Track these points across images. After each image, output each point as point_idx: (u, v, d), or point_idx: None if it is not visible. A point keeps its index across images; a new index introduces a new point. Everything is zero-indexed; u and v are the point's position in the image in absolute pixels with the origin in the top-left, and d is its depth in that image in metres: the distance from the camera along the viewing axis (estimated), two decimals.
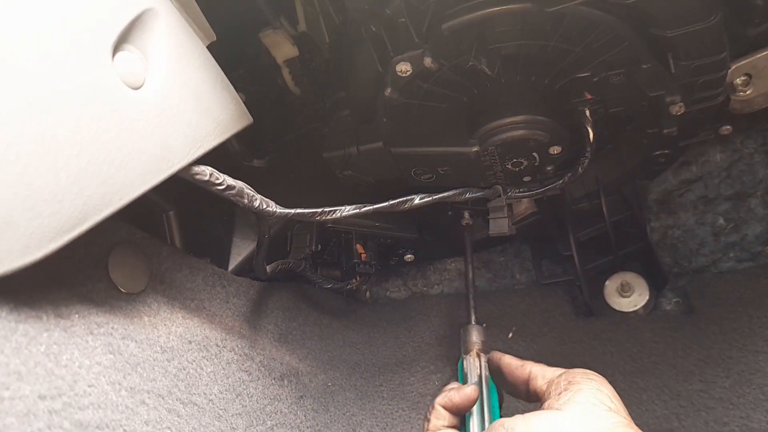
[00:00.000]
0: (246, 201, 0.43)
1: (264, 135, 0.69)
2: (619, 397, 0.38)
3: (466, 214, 0.64)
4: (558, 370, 0.42)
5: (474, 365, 0.49)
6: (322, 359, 0.65)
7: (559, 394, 0.38)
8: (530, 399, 0.44)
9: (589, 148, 0.51)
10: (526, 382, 0.44)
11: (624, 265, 0.69)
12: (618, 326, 0.63)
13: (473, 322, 0.56)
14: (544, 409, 0.39)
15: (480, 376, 0.48)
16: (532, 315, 0.69)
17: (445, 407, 0.43)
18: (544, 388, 0.41)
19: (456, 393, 0.43)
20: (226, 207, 0.66)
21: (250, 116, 0.48)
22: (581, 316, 0.68)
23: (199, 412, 0.42)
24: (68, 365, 0.33)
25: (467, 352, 0.52)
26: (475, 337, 0.53)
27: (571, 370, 0.40)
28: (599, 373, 0.57)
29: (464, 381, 0.49)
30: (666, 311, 0.67)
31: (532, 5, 0.41)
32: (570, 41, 0.45)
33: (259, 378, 0.52)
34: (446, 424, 0.43)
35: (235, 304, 0.57)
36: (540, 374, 0.43)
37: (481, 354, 0.51)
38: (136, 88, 0.35)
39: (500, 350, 0.55)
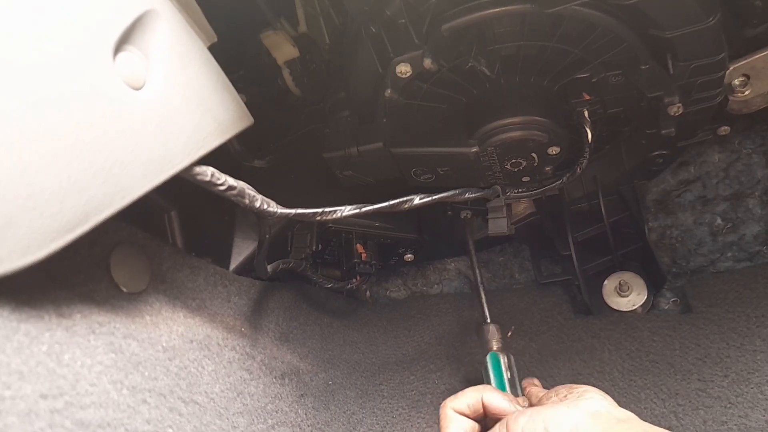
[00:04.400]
0: (247, 201, 0.43)
1: (265, 135, 0.69)
2: None
3: (465, 210, 0.64)
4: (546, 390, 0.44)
5: (505, 363, 0.51)
6: (323, 358, 0.65)
7: (564, 396, 0.39)
8: None
9: (588, 148, 0.52)
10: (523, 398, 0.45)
11: (622, 265, 0.69)
12: (616, 325, 0.64)
13: (489, 320, 0.57)
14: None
15: (512, 374, 0.50)
16: (531, 314, 0.70)
17: (487, 406, 0.41)
18: (533, 402, 0.43)
19: (503, 400, 0.41)
20: (228, 207, 0.66)
21: (251, 117, 0.48)
22: (580, 315, 0.68)
23: (200, 410, 0.42)
24: (70, 364, 0.33)
25: (492, 350, 0.53)
26: (497, 334, 0.54)
27: (568, 384, 0.42)
28: (598, 372, 0.58)
29: (493, 376, 0.50)
30: (664, 311, 0.67)
31: (531, 6, 0.42)
32: (569, 42, 0.46)
33: (260, 377, 0.52)
34: (468, 413, 0.41)
35: (237, 304, 0.57)
36: (534, 392, 0.45)
37: (508, 352, 0.53)
38: (138, 89, 0.35)
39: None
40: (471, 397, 0.41)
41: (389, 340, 0.71)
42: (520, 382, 0.50)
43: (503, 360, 0.51)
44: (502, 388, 0.49)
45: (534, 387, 0.46)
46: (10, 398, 0.28)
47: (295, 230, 0.66)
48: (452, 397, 0.42)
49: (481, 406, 0.41)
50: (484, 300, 0.58)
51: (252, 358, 0.53)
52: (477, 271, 0.61)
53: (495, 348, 0.54)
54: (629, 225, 0.68)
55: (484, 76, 0.48)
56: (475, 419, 0.42)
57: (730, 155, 0.71)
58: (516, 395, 0.48)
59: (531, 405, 0.45)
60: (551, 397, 0.41)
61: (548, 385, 0.59)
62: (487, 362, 0.52)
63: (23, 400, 0.28)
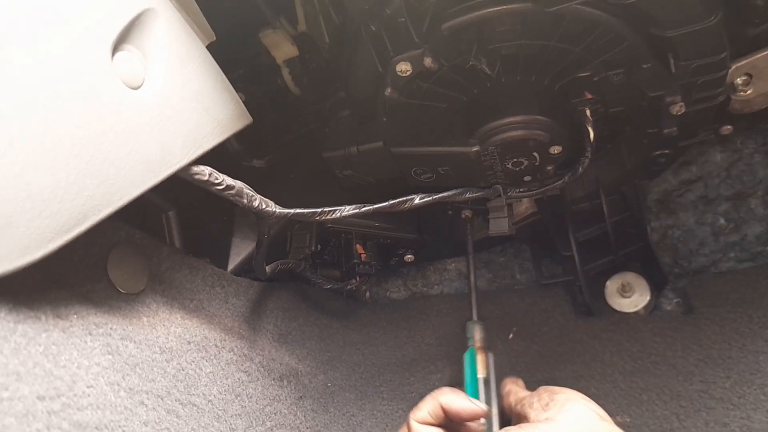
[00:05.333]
0: (245, 201, 0.42)
1: (264, 135, 0.69)
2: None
3: (466, 209, 0.64)
4: (527, 392, 0.43)
5: (482, 361, 0.50)
6: (322, 360, 0.65)
7: (546, 405, 0.38)
8: (500, 412, 0.45)
9: (590, 147, 0.51)
10: (501, 398, 0.45)
11: (624, 266, 0.69)
12: (618, 326, 0.63)
13: (475, 318, 0.57)
14: (530, 422, 0.38)
15: (489, 373, 0.49)
16: (532, 315, 0.69)
17: (446, 409, 0.41)
18: (513, 404, 0.42)
19: (459, 399, 0.40)
20: (226, 207, 0.66)
21: (250, 116, 0.48)
22: (581, 316, 0.68)
23: (198, 412, 0.42)
24: (67, 366, 0.33)
25: (472, 347, 0.53)
26: (481, 333, 0.54)
27: (547, 386, 0.41)
28: (599, 373, 0.58)
29: (471, 375, 0.50)
30: (666, 311, 0.67)
31: (532, 5, 0.41)
32: (570, 41, 0.45)
33: (258, 378, 0.52)
34: (434, 422, 0.41)
35: (235, 305, 0.57)
36: (513, 392, 0.44)
37: (487, 351, 0.53)
38: (136, 88, 0.35)
39: (500, 350, 0.55)
40: (429, 404, 0.41)
41: (389, 341, 0.71)
42: (497, 383, 0.49)
43: (481, 358, 0.51)
44: (474, 386, 0.49)
45: (515, 387, 0.45)
46: (7, 399, 0.28)
47: (294, 230, 0.66)
48: (413, 409, 0.42)
49: (441, 411, 0.41)
50: (474, 298, 0.58)
51: (250, 360, 0.53)
52: (472, 268, 0.61)
53: (476, 346, 0.54)
54: (631, 225, 0.68)
55: (485, 75, 0.48)
56: (440, 425, 0.41)
57: (732, 155, 0.70)
58: (488, 396, 0.47)
59: (509, 406, 0.44)
60: (533, 403, 0.40)
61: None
62: (465, 359, 0.52)
63: (21, 402, 0.28)
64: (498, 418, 0.46)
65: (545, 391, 0.40)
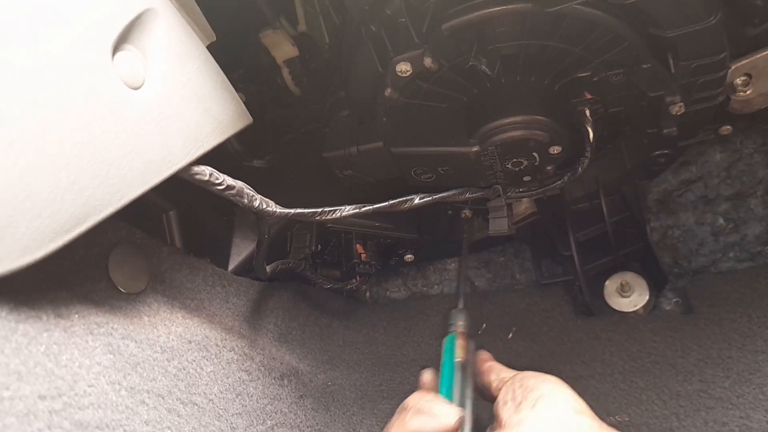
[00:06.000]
0: (246, 201, 0.43)
1: (264, 135, 0.69)
2: (578, 396, 0.37)
3: (466, 209, 0.64)
4: (511, 372, 0.41)
5: (461, 346, 0.49)
6: (322, 359, 0.65)
7: (518, 404, 0.36)
8: (477, 389, 0.44)
9: (589, 147, 0.51)
10: (481, 374, 0.43)
11: (624, 265, 0.69)
12: (618, 326, 0.63)
13: (461, 306, 0.55)
14: (502, 427, 0.36)
15: (469, 361, 0.48)
16: (532, 315, 0.69)
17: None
18: (494, 384, 0.41)
19: (436, 425, 0.37)
20: (227, 207, 0.66)
21: (250, 116, 0.48)
22: (581, 316, 0.68)
23: (199, 411, 0.42)
24: (68, 365, 0.33)
25: (456, 332, 0.51)
26: (464, 320, 0.52)
27: (522, 374, 0.39)
28: (599, 373, 0.57)
29: (448, 359, 0.48)
30: (666, 311, 0.67)
31: (532, 5, 0.41)
32: (570, 41, 0.45)
33: (259, 378, 0.52)
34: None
35: (235, 304, 0.57)
36: (495, 370, 0.43)
37: (469, 339, 0.51)
38: (136, 88, 0.35)
39: (500, 350, 0.55)
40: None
41: (389, 340, 0.71)
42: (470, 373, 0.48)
43: (460, 343, 0.49)
44: (450, 371, 0.47)
45: (496, 363, 0.42)
46: (8, 399, 0.28)
47: (294, 230, 0.66)
48: None
49: None
50: (460, 287, 0.57)
51: (251, 359, 0.53)
52: (464, 253, 0.60)
53: (457, 332, 0.52)
54: (631, 225, 0.68)
55: (485, 75, 0.48)
56: None
57: (732, 155, 0.70)
58: (465, 382, 0.46)
59: (488, 383, 0.42)
60: (507, 401, 0.38)
61: None
62: (444, 345, 0.50)
63: (22, 401, 0.28)
64: (471, 416, 0.44)
65: (519, 386, 0.38)
